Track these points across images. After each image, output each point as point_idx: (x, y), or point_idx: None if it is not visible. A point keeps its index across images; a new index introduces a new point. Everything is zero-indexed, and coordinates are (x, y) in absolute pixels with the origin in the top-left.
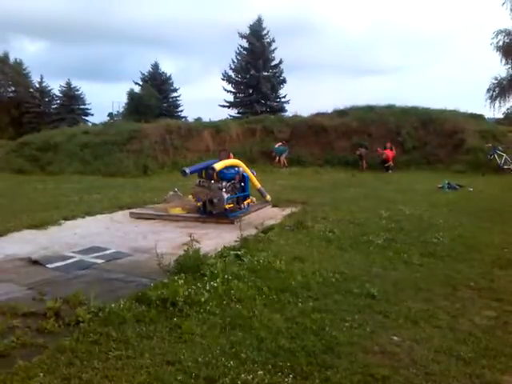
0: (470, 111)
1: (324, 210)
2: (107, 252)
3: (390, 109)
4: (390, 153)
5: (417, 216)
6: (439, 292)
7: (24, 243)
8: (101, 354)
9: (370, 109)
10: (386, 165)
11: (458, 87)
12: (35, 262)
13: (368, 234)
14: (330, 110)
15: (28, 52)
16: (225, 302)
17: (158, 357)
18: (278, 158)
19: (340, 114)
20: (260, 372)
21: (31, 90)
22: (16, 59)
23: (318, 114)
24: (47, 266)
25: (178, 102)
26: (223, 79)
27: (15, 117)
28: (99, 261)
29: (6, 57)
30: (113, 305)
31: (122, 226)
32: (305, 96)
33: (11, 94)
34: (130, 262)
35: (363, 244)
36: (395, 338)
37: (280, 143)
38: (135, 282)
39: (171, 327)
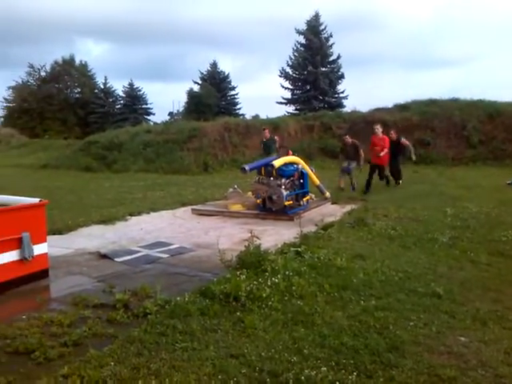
0: None
1: (385, 208)
2: (171, 247)
3: (455, 102)
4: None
5: (484, 213)
6: (509, 292)
7: (93, 238)
8: (168, 345)
9: (432, 102)
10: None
11: None
12: (104, 256)
13: (432, 231)
14: (390, 105)
15: (92, 54)
16: (286, 298)
17: (223, 350)
18: None
19: (401, 108)
20: (323, 368)
21: (96, 90)
22: (81, 61)
23: (378, 109)
24: (115, 259)
25: (236, 100)
26: (280, 76)
27: (81, 117)
28: (164, 255)
29: (72, 59)
30: (178, 298)
31: (184, 222)
32: (364, 91)
33: (77, 95)
34: (193, 257)
35: (427, 242)
36: (462, 338)
37: None
38: (198, 276)
39: (234, 321)
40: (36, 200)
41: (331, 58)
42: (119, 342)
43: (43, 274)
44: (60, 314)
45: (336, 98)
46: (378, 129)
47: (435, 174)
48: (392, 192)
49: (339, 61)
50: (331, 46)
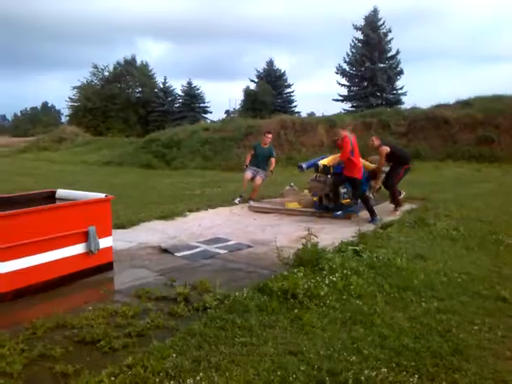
0: None
1: (447, 207)
2: (229, 243)
3: None
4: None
5: None
6: None
7: (154, 232)
8: (227, 339)
9: (497, 98)
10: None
11: None
12: (165, 251)
13: (497, 233)
14: (451, 101)
15: (152, 54)
16: (344, 297)
17: (281, 346)
18: None
19: (463, 104)
20: (383, 369)
21: (156, 90)
22: (142, 61)
23: (439, 106)
24: (175, 254)
25: (292, 98)
26: (337, 73)
27: (142, 115)
28: (222, 251)
29: (133, 60)
30: (237, 293)
31: (241, 219)
32: (424, 87)
33: (138, 95)
34: (250, 253)
35: (492, 244)
36: None
37: None
38: (256, 272)
39: (292, 318)
40: (102, 195)
41: (390, 54)
42: (180, 334)
43: (108, 266)
44: (124, 306)
45: (394, 94)
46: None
47: (500, 172)
48: (454, 191)
49: (398, 56)
50: (390, 41)
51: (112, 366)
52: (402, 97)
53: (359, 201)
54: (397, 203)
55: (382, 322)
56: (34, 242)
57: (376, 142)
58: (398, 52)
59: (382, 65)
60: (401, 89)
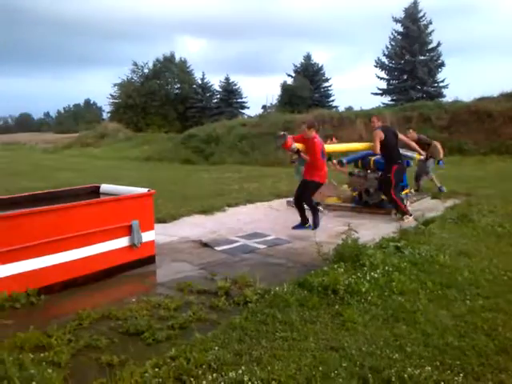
0: None
1: (491, 203)
2: (268, 238)
3: None
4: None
5: None
6: None
7: (194, 227)
8: (268, 333)
9: None
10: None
11: None
12: (205, 245)
13: None
14: (495, 94)
15: (191, 50)
16: (386, 294)
17: (322, 342)
18: None
19: (508, 97)
20: (427, 368)
21: (194, 86)
22: (181, 58)
23: (482, 99)
24: (215, 248)
25: (330, 92)
26: (376, 66)
27: (181, 112)
28: (261, 246)
29: (172, 56)
30: (277, 288)
31: (280, 214)
32: (466, 80)
33: (177, 91)
34: (289, 248)
35: None
36: None
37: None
38: (295, 267)
39: (333, 314)
40: (145, 190)
41: (430, 46)
42: (222, 327)
43: (150, 259)
44: (167, 299)
45: (435, 87)
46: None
47: None
48: (498, 186)
49: (439, 48)
50: (430, 33)
51: (156, 357)
52: (443, 90)
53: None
54: (402, 211)
55: (425, 320)
56: (81, 235)
57: (376, 123)
58: (439, 44)
59: (422, 57)
60: (442, 81)
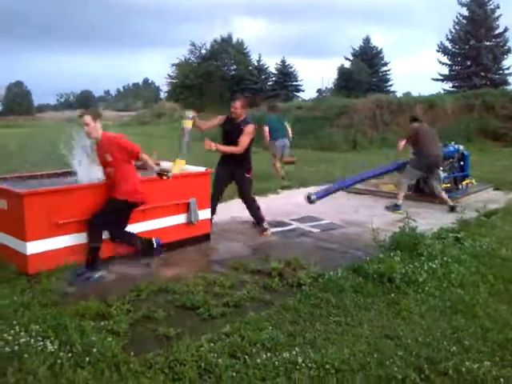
0: None
1: None
2: (321, 222)
3: None
4: None
5: None
6: None
7: None
8: (322, 317)
9: None
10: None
11: None
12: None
13: None
14: None
15: (248, 31)
16: (444, 285)
17: (377, 329)
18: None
19: None
20: (486, 363)
21: (250, 67)
22: (238, 39)
23: None
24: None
25: (388, 77)
26: (438, 51)
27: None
28: (314, 230)
29: (229, 37)
30: (331, 273)
31: (334, 199)
32: None
33: (233, 72)
34: (343, 233)
35: None
36: None
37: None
38: (350, 253)
39: (388, 302)
40: (202, 169)
41: (497, 31)
42: (275, 308)
43: (205, 237)
44: (222, 276)
45: (500, 74)
46: None
47: None
48: None
49: (506, 34)
50: (497, 18)
51: (211, 332)
52: (508, 77)
53: (461, 186)
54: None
55: (484, 314)
56: (142, 210)
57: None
58: (506, 29)
59: (487, 43)
60: (508, 69)
